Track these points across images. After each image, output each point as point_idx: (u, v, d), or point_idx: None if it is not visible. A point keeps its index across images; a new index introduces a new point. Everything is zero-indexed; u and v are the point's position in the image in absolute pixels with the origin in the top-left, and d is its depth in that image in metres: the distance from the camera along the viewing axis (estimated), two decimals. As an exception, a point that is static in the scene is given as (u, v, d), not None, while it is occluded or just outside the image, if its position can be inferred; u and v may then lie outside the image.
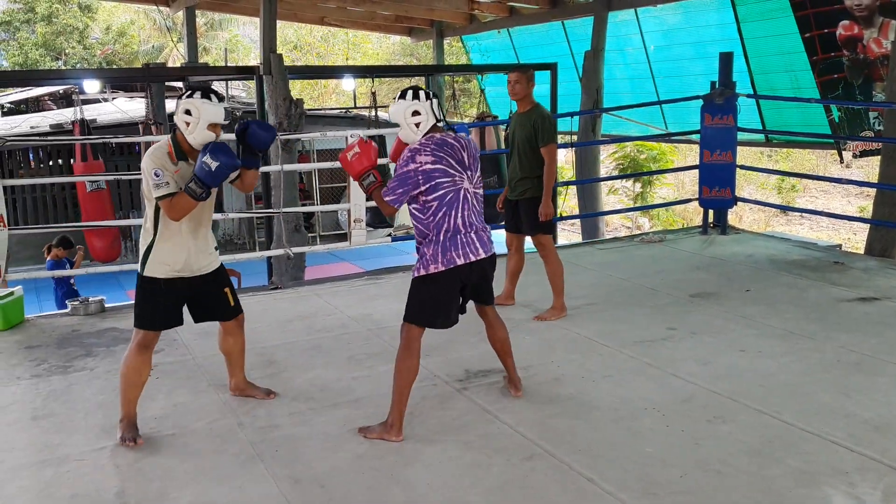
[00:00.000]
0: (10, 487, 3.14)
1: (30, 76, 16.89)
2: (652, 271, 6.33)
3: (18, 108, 18.34)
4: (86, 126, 9.79)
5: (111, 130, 11.87)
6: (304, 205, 13.01)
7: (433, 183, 3.30)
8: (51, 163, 14.14)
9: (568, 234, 16.46)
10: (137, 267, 3.61)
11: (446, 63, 16.47)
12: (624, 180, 19.00)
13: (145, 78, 10.44)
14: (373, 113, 12.61)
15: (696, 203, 7.94)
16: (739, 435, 3.41)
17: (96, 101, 15.51)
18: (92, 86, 11.49)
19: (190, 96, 3.50)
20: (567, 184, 10.66)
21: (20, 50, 29.47)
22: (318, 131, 9.44)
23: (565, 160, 18.10)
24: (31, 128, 13.48)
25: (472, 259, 3.40)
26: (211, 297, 3.74)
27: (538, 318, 5.14)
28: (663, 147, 18.21)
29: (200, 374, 4.31)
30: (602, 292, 5.76)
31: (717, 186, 7.42)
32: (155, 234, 3.55)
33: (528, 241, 5.48)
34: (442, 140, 3.35)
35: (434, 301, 3.46)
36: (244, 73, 11.52)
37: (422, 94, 3.38)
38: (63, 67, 26.97)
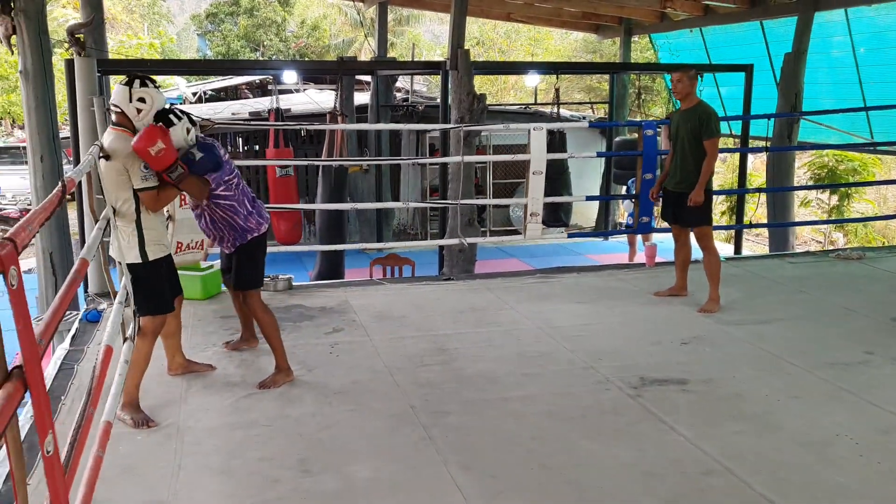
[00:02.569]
0: (206, 446, 3.38)
1: (238, 65, 18.24)
2: (849, 290, 5.88)
3: (219, 96, 19.74)
4: (280, 115, 10.39)
5: (304, 120, 12.55)
6: (478, 199, 13.16)
7: (230, 166, 3.92)
8: (247, 148, 15.14)
9: (752, 244, 15.57)
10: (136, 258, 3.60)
11: (633, 61, 16.04)
12: (819, 192, 17.71)
13: (339, 70, 10.90)
14: (554, 109, 12.49)
15: (902, 219, 7.28)
16: (949, 476, 3.09)
17: (289, 91, 16.41)
18: (291, 77, 12.15)
19: (143, 85, 3.60)
20: (757, 191, 10.06)
21: (223, 40, 31.92)
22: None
23: (753, 167, 17.12)
24: (233, 114, 14.47)
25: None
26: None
27: (701, 311, 5.29)
28: (866, 158, 16.79)
29: (377, 355, 4.45)
30: (792, 308, 5.42)
31: (930, 202, 6.77)
32: (139, 218, 3.59)
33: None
34: (213, 141, 3.88)
35: (263, 261, 4.16)
36: (431, 67, 11.76)
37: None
38: (260, 58, 28.85)
